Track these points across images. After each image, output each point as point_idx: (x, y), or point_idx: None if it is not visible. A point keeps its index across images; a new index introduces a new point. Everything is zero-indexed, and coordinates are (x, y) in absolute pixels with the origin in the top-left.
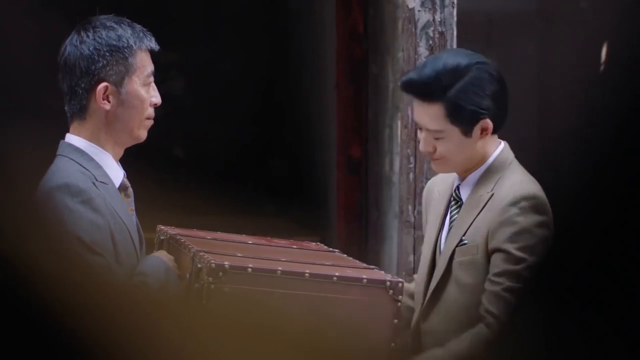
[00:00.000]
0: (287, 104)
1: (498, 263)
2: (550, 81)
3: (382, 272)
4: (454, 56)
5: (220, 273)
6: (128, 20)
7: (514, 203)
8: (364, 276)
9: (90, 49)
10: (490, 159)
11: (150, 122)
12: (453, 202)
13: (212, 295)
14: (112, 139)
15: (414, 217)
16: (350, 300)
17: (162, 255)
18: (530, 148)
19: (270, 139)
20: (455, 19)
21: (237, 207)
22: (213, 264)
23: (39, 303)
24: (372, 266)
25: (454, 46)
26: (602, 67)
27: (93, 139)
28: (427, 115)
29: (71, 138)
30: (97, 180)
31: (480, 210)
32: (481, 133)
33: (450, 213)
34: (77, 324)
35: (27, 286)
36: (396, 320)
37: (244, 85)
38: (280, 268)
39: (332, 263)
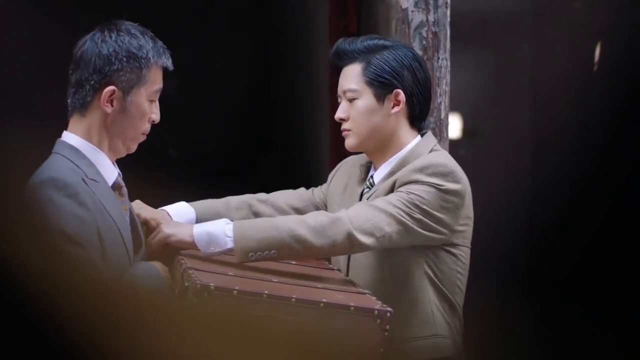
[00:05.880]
0: (281, 104)
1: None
2: (544, 80)
3: (374, 298)
4: (388, 40)
5: (206, 294)
6: (152, 34)
7: (421, 169)
8: (352, 303)
9: (110, 50)
10: (405, 149)
11: (144, 138)
12: (366, 189)
13: (196, 315)
14: (107, 142)
15: None
16: (336, 327)
17: (157, 265)
18: (524, 146)
19: (263, 138)
20: (448, 19)
21: None
22: (199, 285)
23: (20, 293)
24: (365, 291)
25: (448, 46)
26: (595, 67)
27: (89, 137)
28: (347, 77)
29: (67, 136)
30: (87, 177)
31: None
32: (393, 106)
33: (364, 197)
34: (57, 314)
35: (9, 277)
36: (382, 349)
37: (237, 84)
38: (266, 291)
39: (324, 286)
